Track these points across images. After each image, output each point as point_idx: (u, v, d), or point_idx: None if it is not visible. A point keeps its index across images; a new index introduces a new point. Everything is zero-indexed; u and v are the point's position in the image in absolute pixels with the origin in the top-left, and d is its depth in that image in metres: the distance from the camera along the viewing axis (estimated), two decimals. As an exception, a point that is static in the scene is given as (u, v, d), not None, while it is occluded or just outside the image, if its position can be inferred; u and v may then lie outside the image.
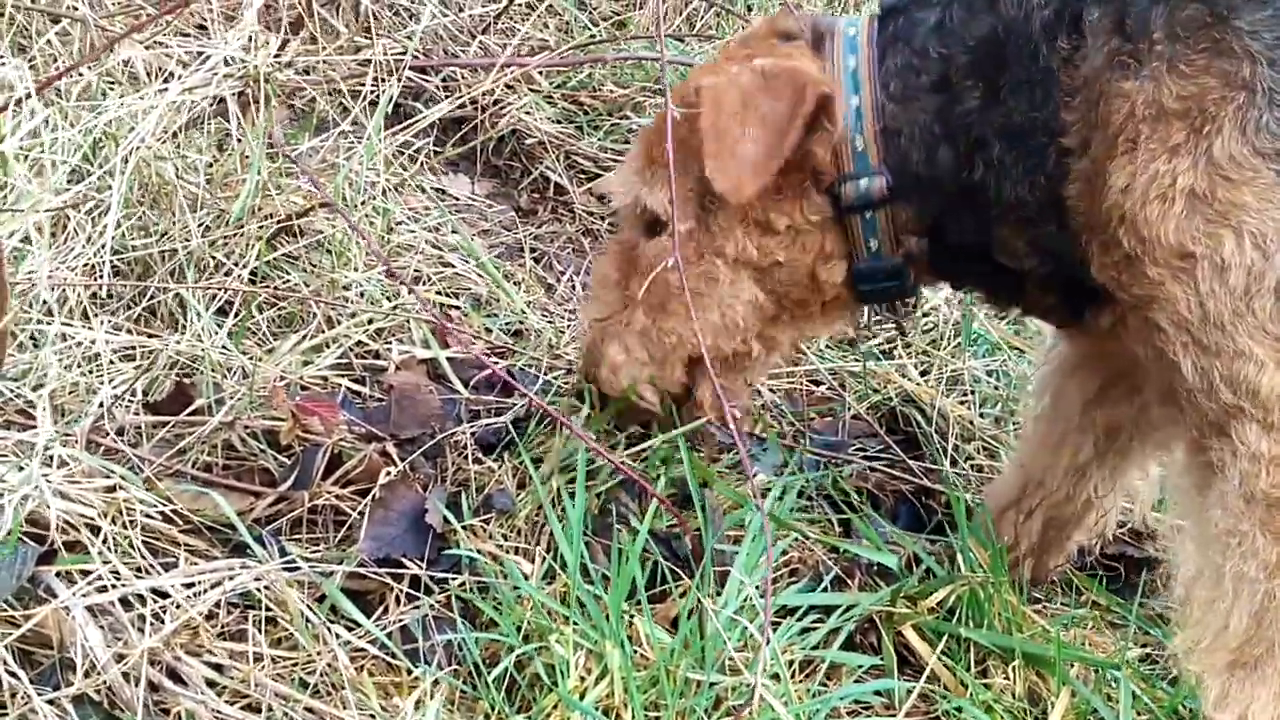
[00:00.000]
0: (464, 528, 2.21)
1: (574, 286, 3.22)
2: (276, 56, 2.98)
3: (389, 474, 2.28)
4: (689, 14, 4.03)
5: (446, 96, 3.44)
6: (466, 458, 2.35)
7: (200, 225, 2.67)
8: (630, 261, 2.30)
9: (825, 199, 2.15)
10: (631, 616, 2.07)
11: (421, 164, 3.42)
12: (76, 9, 2.66)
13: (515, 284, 3.06)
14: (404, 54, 3.39)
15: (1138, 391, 2.34)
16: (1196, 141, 1.83)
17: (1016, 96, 1.97)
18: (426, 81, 3.55)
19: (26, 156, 2.54)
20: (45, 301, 2.35)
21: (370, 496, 2.28)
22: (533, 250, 3.33)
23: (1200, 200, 1.84)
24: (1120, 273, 1.94)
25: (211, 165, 2.76)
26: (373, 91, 3.29)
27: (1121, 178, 1.88)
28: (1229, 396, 1.90)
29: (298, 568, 2.14)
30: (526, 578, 2.11)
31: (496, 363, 2.68)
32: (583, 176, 3.60)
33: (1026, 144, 1.97)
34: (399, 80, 3.13)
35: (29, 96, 2.40)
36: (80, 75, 2.60)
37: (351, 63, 3.27)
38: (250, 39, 2.79)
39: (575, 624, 2.01)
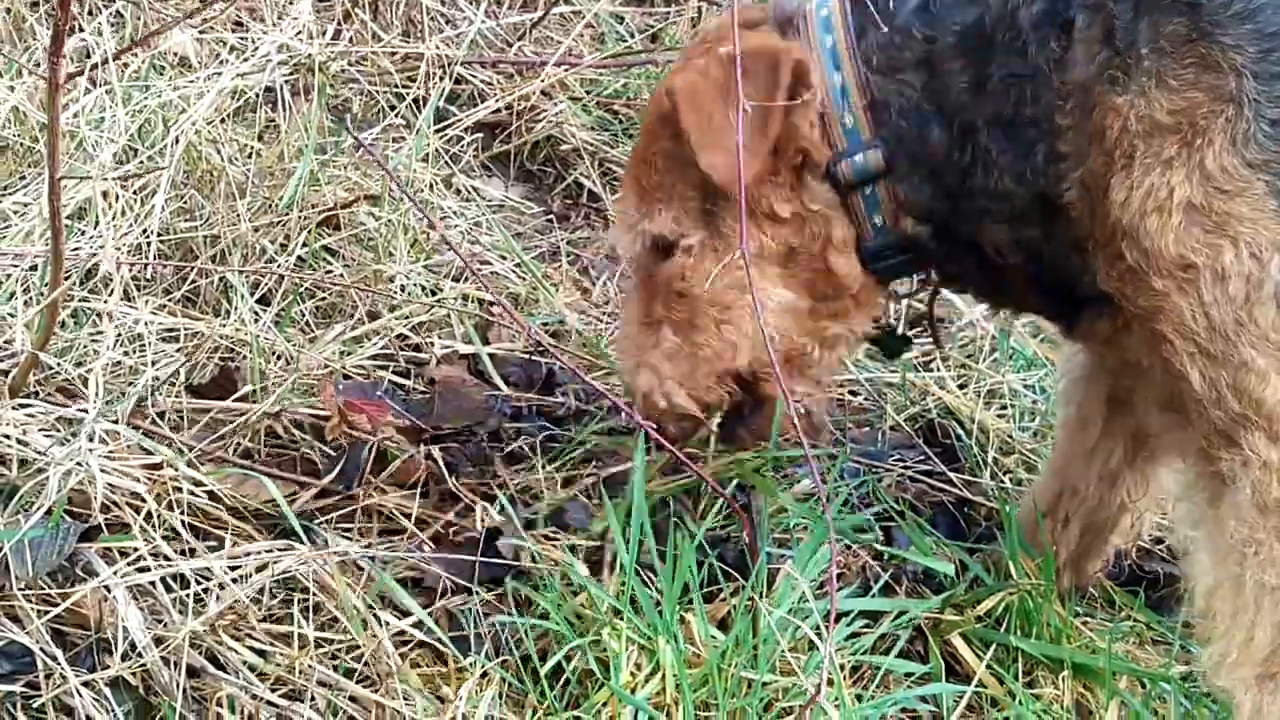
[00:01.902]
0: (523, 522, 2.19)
1: (609, 290, 3.20)
2: (328, 46, 2.96)
3: (447, 490, 2.25)
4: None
5: (484, 100, 3.43)
6: (515, 462, 2.33)
7: (246, 211, 2.66)
8: (652, 293, 2.26)
9: (825, 184, 2.12)
10: (684, 614, 2.04)
11: (464, 164, 3.41)
12: (129, -9, 2.65)
13: (553, 285, 3.04)
14: (451, 55, 3.39)
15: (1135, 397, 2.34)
16: (1189, 155, 1.85)
17: (1006, 88, 1.95)
18: (462, 86, 3.55)
19: (76, 134, 2.53)
20: (102, 275, 2.32)
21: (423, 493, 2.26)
22: (567, 255, 3.32)
23: (1198, 211, 1.85)
24: (1125, 284, 1.95)
25: (258, 153, 2.75)
26: (421, 89, 3.28)
27: (1120, 192, 1.88)
28: (1236, 406, 1.90)
29: (345, 554, 2.11)
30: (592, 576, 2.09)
31: (539, 362, 2.67)
32: (616, 183, 3.58)
33: (1016, 137, 1.96)
34: (450, 78, 3.12)
35: (82, 74, 2.38)
36: (133, 57, 2.58)
37: (400, 60, 3.26)
38: (303, 29, 2.78)
39: (629, 620, 1.98)
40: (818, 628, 2.04)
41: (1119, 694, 2.16)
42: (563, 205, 3.56)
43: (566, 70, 3.63)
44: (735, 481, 2.34)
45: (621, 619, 1.98)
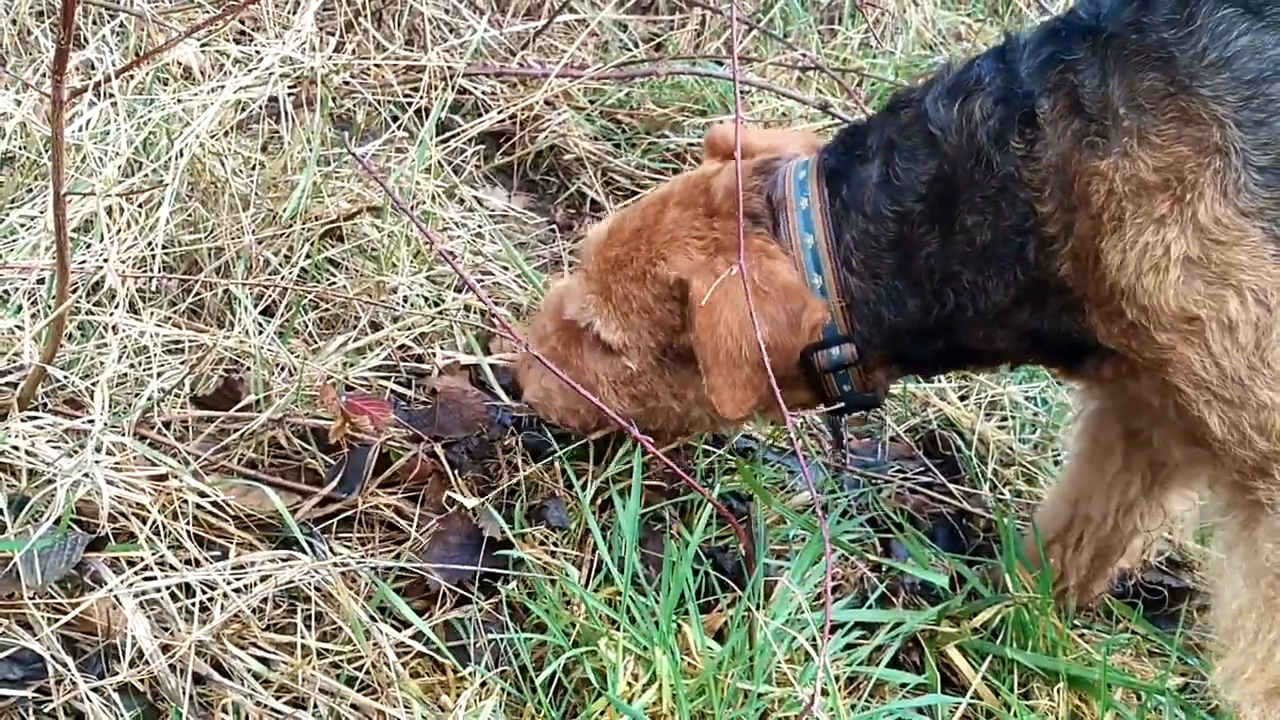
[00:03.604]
0: (516, 535, 2.21)
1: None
2: (331, 58, 2.98)
3: (449, 499, 2.27)
4: (728, 37, 4.04)
5: (486, 111, 3.46)
6: (515, 464, 2.35)
7: (250, 223, 2.68)
8: (573, 342, 2.31)
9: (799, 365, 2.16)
10: (680, 625, 2.06)
11: (466, 175, 3.43)
12: (134, 3, 2.67)
13: (555, 295, 3.06)
14: (453, 65, 3.41)
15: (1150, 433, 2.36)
16: (1181, 210, 1.85)
17: (976, 216, 1.98)
18: (465, 96, 3.57)
19: (80, 148, 2.55)
20: (107, 289, 2.35)
21: (421, 501, 2.29)
22: (569, 264, 3.34)
23: (1196, 265, 1.86)
24: (1129, 339, 1.96)
25: (261, 165, 2.77)
26: (424, 100, 3.31)
27: (1115, 255, 1.89)
28: (1265, 444, 1.91)
29: (347, 564, 2.14)
30: (582, 584, 2.11)
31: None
32: (619, 193, 3.60)
33: (998, 256, 1.99)
34: (453, 89, 3.15)
35: (88, 90, 2.41)
36: (136, 71, 2.60)
37: (403, 70, 3.28)
38: (306, 41, 2.80)
39: (625, 630, 2.00)
40: (814, 639, 2.06)
41: (1114, 706, 2.18)
42: (565, 215, 3.58)
43: (570, 81, 3.65)
44: (732, 492, 2.36)
45: (618, 629, 2.00)
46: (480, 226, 3.22)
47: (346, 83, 3.19)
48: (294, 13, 3.05)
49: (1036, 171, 1.92)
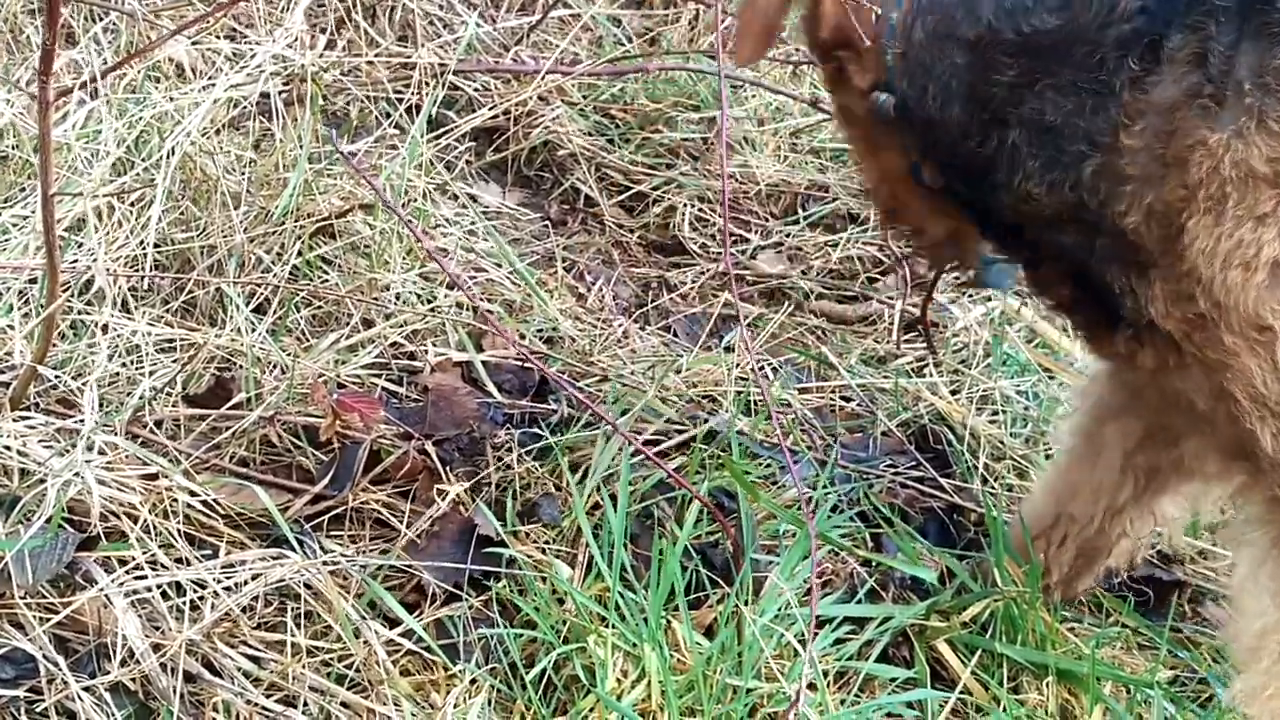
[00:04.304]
0: (509, 532, 2.22)
1: (604, 297, 3.23)
2: (322, 56, 2.99)
3: (440, 491, 2.28)
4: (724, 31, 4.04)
5: (479, 107, 3.46)
6: (506, 461, 2.36)
7: (242, 221, 2.69)
8: None
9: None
10: (669, 621, 2.07)
11: (459, 171, 3.44)
12: (124, 1, 2.67)
13: (547, 292, 3.06)
14: (445, 62, 3.42)
15: (1181, 438, 2.25)
16: None
17: (1059, 96, 1.83)
18: (457, 92, 3.58)
19: (70, 148, 2.56)
20: (97, 289, 2.36)
21: (412, 498, 2.30)
22: (563, 260, 3.34)
23: None
24: (1193, 330, 1.84)
25: (253, 163, 2.77)
26: (415, 97, 3.31)
27: (1205, 239, 1.76)
28: None
29: (338, 563, 2.15)
30: (575, 581, 2.12)
31: (532, 369, 2.70)
32: (613, 189, 3.61)
33: (1056, 145, 1.85)
34: (444, 85, 3.15)
35: (73, 90, 2.41)
36: (127, 69, 2.61)
37: (396, 67, 3.29)
38: (296, 38, 2.81)
39: (614, 626, 2.01)
40: (802, 634, 2.07)
41: (1103, 699, 2.18)
42: (560, 210, 3.59)
43: (563, 77, 3.65)
44: (721, 488, 2.37)
45: (606, 626, 2.01)
46: (474, 223, 3.22)
47: (339, 79, 3.19)
48: (286, 10, 3.05)
49: (1138, 100, 1.77)
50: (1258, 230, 1.73)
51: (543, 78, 3.51)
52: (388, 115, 3.25)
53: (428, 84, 3.22)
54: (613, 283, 3.30)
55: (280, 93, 2.84)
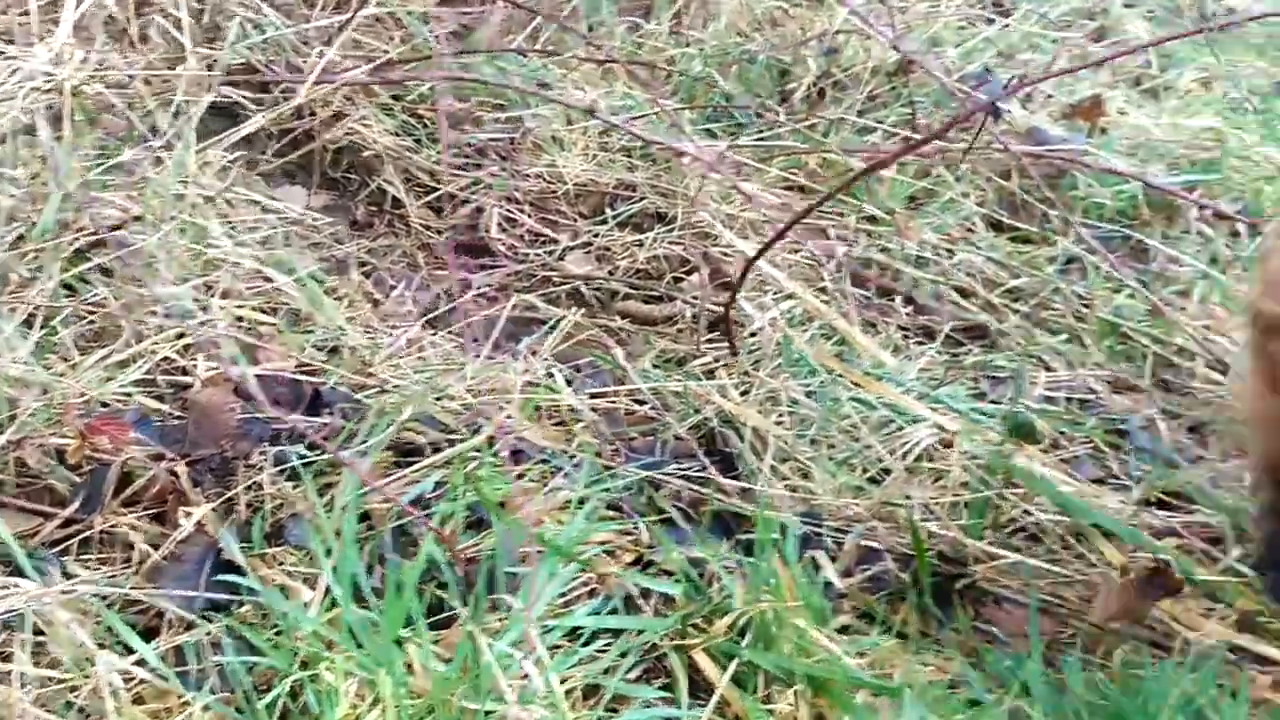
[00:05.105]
0: (255, 555, 2.19)
1: (404, 301, 3.20)
2: (94, 70, 2.92)
3: (187, 513, 2.24)
4: (534, 28, 4.02)
5: (276, 105, 3.41)
6: (258, 481, 2.32)
7: (11, 238, 2.63)
8: None
9: None
10: (404, 644, 2.05)
11: (257, 175, 3.39)
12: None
13: (338, 299, 3.03)
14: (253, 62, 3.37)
15: None
16: None
17: None
18: (264, 95, 3.52)
19: None
20: None
21: (162, 520, 2.26)
22: (364, 264, 3.31)
23: None
24: None
25: (16, 181, 2.71)
26: (203, 98, 3.26)
27: None
28: None
29: (73, 590, 2.10)
30: (307, 605, 2.09)
31: (304, 381, 2.66)
32: (419, 190, 3.58)
33: None
34: (212, 92, 3.10)
35: None
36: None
37: (170, 75, 3.22)
38: (61, 52, 2.74)
39: (348, 652, 1.99)
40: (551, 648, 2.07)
41: (849, 708, 2.20)
42: (366, 213, 3.55)
43: (369, 78, 3.61)
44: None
45: (334, 650, 1.99)
46: (274, 229, 3.18)
47: (121, 85, 3.12)
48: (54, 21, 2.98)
49: None
50: None
51: (347, 78, 3.45)
52: (176, 118, 3.18)
53: (209, 87, 3.16)
54: (413, 287, 3.27)
55: (47, 108, 2.77)
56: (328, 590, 2.12)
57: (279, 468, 2.37)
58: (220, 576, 2.14)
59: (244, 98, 3.47)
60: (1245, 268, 3.61)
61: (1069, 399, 3.24)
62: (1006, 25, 4.59)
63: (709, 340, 3.26)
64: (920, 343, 3.39)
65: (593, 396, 2.96)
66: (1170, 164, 4.00)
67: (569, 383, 2.97)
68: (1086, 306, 3.49)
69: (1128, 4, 4.98)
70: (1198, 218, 3.66)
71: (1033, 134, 3.96)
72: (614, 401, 2.98)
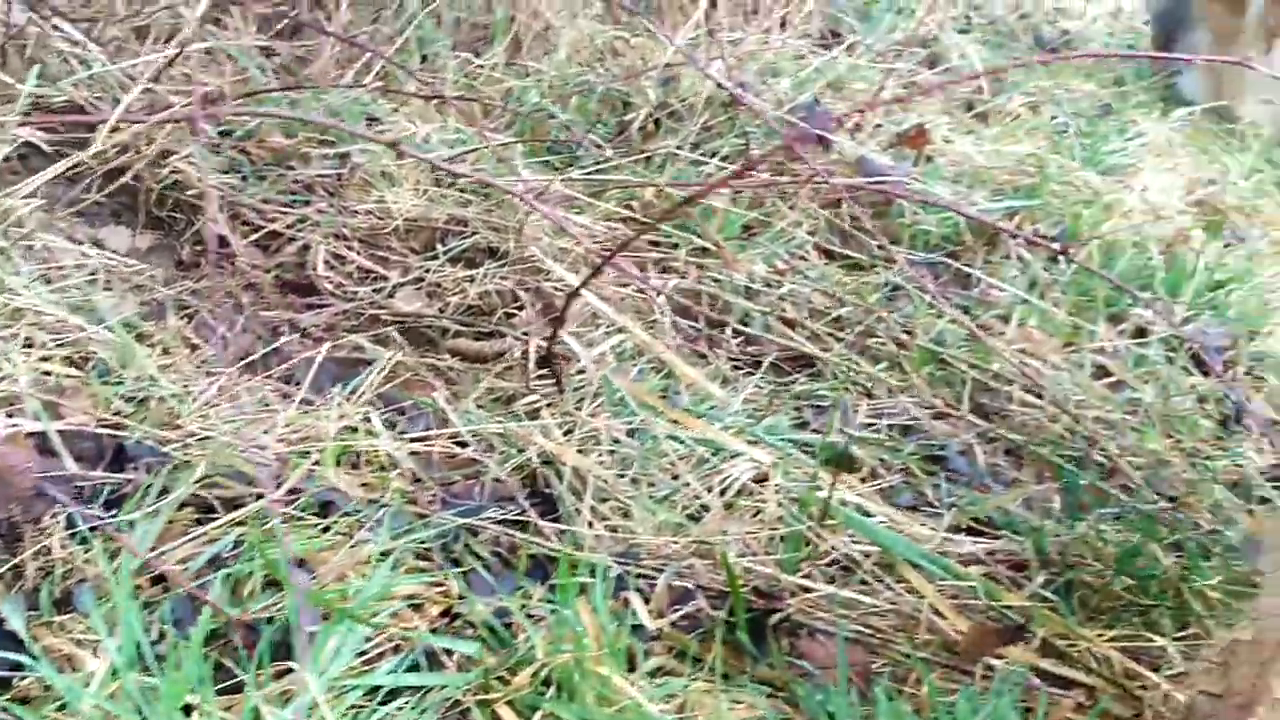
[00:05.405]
0: (43, 624, 2.15)
1: (225, 345, 3.16)
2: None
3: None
4: (368, 61, 4.00)
5: (88, 146, 3.35)
6: (47, 546, 2.28)
7: None
8: None
9: None
10: (191, 712, 2.03)
11: (79, 216, 3.33)
12: None
13: (154, 345, 2.98)
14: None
15: None
16: None
17: None
18: (88, 135, 3.46)
19: None
20: None
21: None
22: (186, 307, 3.26)
23: None
24: None
25: None
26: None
27: None
28: None
29: None
30: (90, 677, 2.06)
31: (108, 435, 2.62)
32: (246, 228, 3.54)
33: None
34: (4, 131, 3.04)
35: None
36: None
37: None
38: None
39: (127, 723, 1.97)
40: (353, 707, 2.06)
41: (647, 754, 2.22)
42: (191, 253, 3.50)
43: (202, 111, 3.55)
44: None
45: (114, 724, 1.97)
46: (94, 274, 3.13)
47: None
48: None
49: None
50: None
51: (173, 113, 3.41)
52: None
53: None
54: (236, 329, 3.23)
55: None
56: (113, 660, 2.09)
57: (70, 531, 2.32)
58: (1, 652, 2.10)
59: (61, 137, 3.40)
60: (1063, 291, 3.71)
61: (890, 426, 3.30)
62: (835, 57, 4.66)
63: (540, 377, 3.27)
64: (749, 373, 3.44)
65: (414, 440, 2.95)
66: (994, 190, 4.10)
67: (392, 426, 2.96)
68: (908, 334, 3.56)
69: (961, 30, 5.09)
70: (1016, 243, 3.75)
71: (861, 163, 4.03)
72: (432, 446, 2.97)
